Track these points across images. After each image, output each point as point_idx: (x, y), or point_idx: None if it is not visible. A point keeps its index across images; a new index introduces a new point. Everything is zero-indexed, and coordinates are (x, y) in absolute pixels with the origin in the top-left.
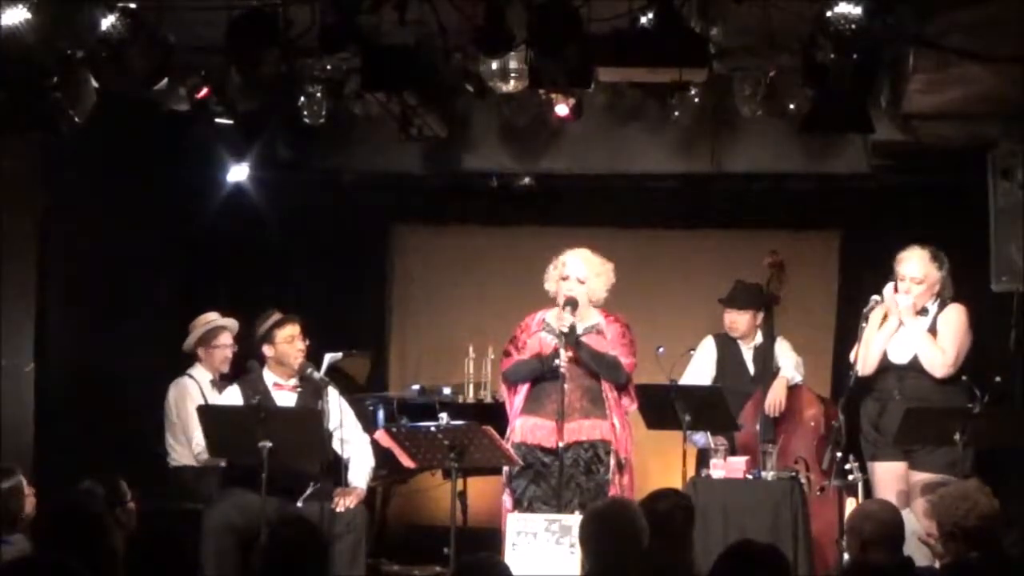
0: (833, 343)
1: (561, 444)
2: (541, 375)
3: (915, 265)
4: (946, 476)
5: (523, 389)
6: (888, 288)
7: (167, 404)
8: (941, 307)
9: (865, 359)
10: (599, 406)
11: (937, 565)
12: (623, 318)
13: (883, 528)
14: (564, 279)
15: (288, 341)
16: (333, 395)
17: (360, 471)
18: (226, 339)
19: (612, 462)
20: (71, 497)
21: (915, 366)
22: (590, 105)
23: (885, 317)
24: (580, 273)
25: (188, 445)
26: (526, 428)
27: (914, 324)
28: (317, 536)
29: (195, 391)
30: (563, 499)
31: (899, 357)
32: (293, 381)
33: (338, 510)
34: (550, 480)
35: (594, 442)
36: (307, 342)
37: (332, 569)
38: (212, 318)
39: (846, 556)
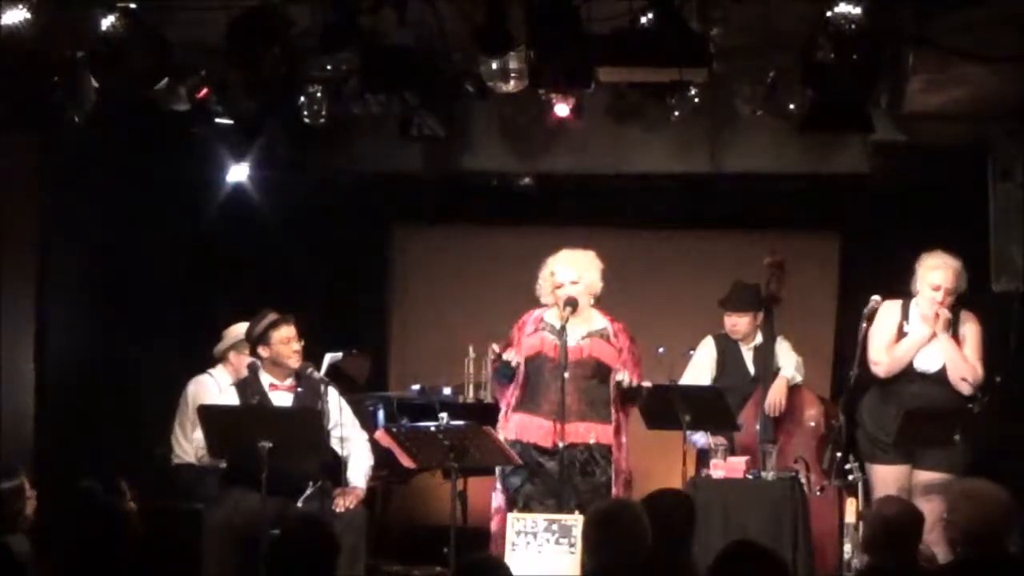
0: (833, 343)
1: (561, 444)
2: (537, 371)
3: (951, 277)
4: (951, 476)
5: (517, 385)
6: (923, 301)
7: (184, 399)
8: (955, 314)
9: (891, 364)
10: (596, 408)
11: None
12: (627, 327)
13: (898, 531)
14: (559, 287)
15: (284, 342)
16: (332, 395)
17: (359, 470)
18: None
19: (620, 477)
20: (83, 495)
21: (941, 377)
22: (590, 105)
23: (899, 326)
24: (571, 276)
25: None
26: (520, 426)
27: (945, 336)
28: (330, 536)
29: (215, 389)
30: (562, 498)
31: (927, 365)
32: (289, 381)
33: (338, 510)
34: (545, 478)
35: (589, 445)
36: (303, 342)
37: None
38: None
39: (847, 556)
